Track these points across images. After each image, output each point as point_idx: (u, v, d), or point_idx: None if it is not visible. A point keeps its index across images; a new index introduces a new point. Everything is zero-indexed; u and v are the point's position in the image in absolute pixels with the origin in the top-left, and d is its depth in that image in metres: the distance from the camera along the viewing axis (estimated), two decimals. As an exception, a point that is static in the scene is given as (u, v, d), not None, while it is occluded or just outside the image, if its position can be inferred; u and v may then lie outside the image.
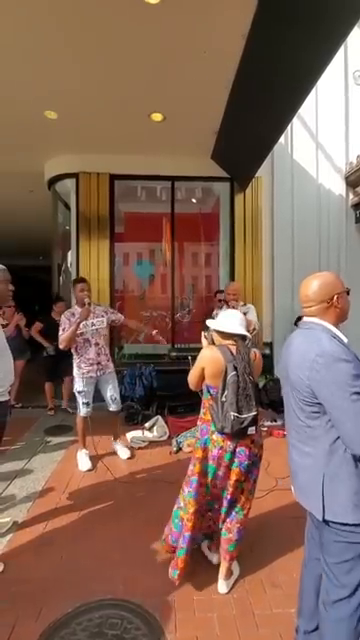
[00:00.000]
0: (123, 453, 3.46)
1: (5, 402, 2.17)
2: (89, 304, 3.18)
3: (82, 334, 3.19)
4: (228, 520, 1.94)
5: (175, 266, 5.75)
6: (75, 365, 3.29)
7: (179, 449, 3.63)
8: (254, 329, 3.56)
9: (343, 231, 5.83)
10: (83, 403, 3.29)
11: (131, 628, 1.70)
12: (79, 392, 3.28)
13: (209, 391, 1.95)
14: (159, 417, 4.18)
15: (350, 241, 5.83)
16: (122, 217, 5.88)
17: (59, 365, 4.61)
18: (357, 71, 5.80)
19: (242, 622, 1.73)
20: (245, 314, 3.45)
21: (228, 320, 1.97)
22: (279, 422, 4.26)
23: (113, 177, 5.40)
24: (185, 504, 1.94)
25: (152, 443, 3.85)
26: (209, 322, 2.07)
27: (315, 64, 2.94)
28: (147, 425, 4.02)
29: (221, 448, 1.85)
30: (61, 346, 3.18)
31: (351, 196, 5.86)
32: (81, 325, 3.14)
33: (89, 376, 3.25)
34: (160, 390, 4.58)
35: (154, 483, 3.00)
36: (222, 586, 1.92)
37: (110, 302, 5.24)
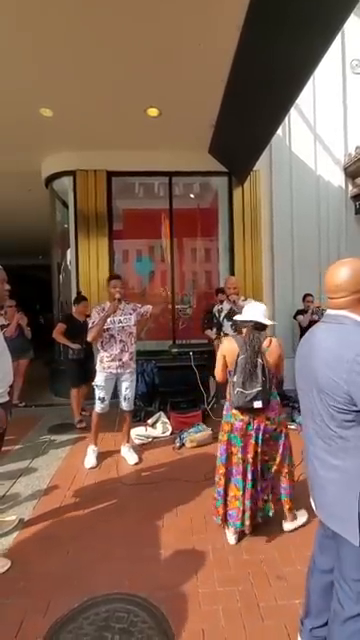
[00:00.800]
0: (131, 458, 3.35)
1: (5, 403, 2.16)
2: (119, 300, 3.20)
3: (108, 329, 3.23)
4: (265, 484, 2.26)
5: (175, 262, 5.75)
6: (98, 359, 3.32)
7: (182, 445, 3.64)
8: None
9: (343, 223, 5.80)
10: (99, 398, 3.28)
11: (137, 621, 1.72)
12: (97, 386, 3.30)
13: (229, 374, 2.27)
14: (161, 413, 4.19)
15: (350, 232, 5.80)
16: (120, 214, 5.87)
17: (85, 367, 4.22)
18: (354, 60, 5.73)
19: (247, 614, 1.75)
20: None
21: (248, 311, 2.30)
22: (282, 416, 4.26)
23: (110, 174, 5.38)
24: (217, 471, 2.30)
25: (155, 439, 3.87)
26: (237, 317, 2.43)
27: (311, 55, 2.90)
28: (150, 421, 4.03)
29: (241, 420, 2.18)
30: (89, 338, 3.23)
31: (350, 187, 5.82)
32: (108, 320, 3.19)
33: (109, 371, 3.26)
34: (162, 386, 4.59)
35: (158, 480, 3.01)
36: (286, 524, 2.30)
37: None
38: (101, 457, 3.37)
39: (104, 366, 3.27)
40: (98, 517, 2.54)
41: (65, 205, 5.83)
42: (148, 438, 3.84)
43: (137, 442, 3.74)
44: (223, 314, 3.60)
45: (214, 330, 3.72)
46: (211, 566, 2.05)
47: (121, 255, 5.93)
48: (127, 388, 3.36)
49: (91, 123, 4.45)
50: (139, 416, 4.30)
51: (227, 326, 3.57)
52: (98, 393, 3.30)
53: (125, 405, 3.40)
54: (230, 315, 3.56)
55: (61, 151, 5.24)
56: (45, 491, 2.87)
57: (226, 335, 3.55)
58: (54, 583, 1.96)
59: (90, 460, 3.27)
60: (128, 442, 3.49)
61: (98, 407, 3.31)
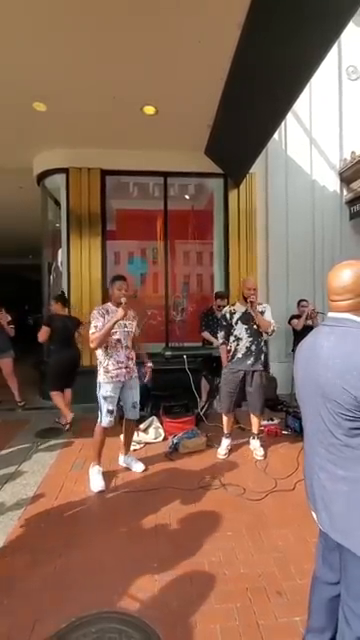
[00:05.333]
0: (138, 466, 3.17)
1: None
2: (126, 304, 2.94)
3: (114, 334, 2.96)
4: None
5: (169, 264, 5.66)
6: (101, 369, 2.99)
7: (175, 449, 3.54)
8: (272, 330, 3.40)
9: (338, 227, 5.81)
10: (108, 411, 2.95)
11: (130, 643, 1.61)
12: (105, 398, 2.96)
13: None
14: (154, 418, 4.08)
15: (345, 237, 5.81)
16: (114, 214, 5.76)
17: (72, 369, 4.23)
18: (351, 66, 5.78)
19: (246, 633, 1.65)
20: (262, 313, 3.37)
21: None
22: (276, 421, 4.21)
23: (104, 172, 5.28)
24: None
25: (147, 445, 3.75)
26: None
27: (312, 56, 2.87)
28: (142, 426, 3.91)
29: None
30: (92, 345, 2.91)
31: (345, 192, 5.84)
32: (115, 325, 2.92)
33: (117, 380, 2.98)
34: (155, 390, 4.48)
35: (150, 488, 2.90)
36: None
37: (102, 302, 5.11)
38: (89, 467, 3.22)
39: (111, 375, 2.96)
40: (87, 528, 2.42)
41: (57, 204, 5.70)
42: (140, 444, 3.73)
43: (130, 448, 3.61)
44: (237, 316, 3.43)
45: (222, 333, 3.50)
46: (207, 581, 1.95)
47: (114, 256, 5.81)
48: (135, 395, 3.14)
49: (86, 119, 4.35)
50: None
51: (242, 330, 3.41)
52: (106, 406, 2.95)
53: (132, 414, 3.16)
54: (246, 318, 3.42)
55: (54, 147, 5.12)
56: (31, 500, 2.73)
57: (239, 339, 3.42)
58: (40, 601, 1.83)
59: (97, 483, 2.89)
60: (129, 451, 3.33)
61: (105, 421, 2.96)
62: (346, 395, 1.09)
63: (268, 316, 3.41)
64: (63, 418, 4.20)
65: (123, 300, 2.93)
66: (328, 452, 1.18)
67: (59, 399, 4.21)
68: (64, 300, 4.53)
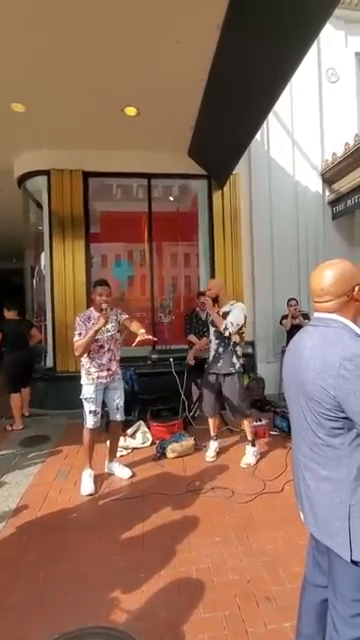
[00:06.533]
0: (124, 472, 3.13)
1: None
2: (107, 310, 2.91)
3: (97, 340, 2.95)
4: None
5: (154, 266, 5.61)
6: (83, 371, 3.02)
7: (163, 454, 3.49)
8: (226, 329, 3.13)
9: (320, 228, 5.87)
10: (91, 412, 2.97)
11: (115, 659, 1.55)
12: (86, 399, 2.98)
13: None
14: (141, 422, 4.02)
15: (327, 237, 5.88)
16: (97, 216, 5.69)
17: (28, 370, 4.63)
18: (330, 69, 5.85)
19: (235, 642, 1.61)
20: (227, 314, 3.19)
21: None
22: (264, 422, 4.20)
23: (87, 174, 5.20)
24: None
25: (135, 450, 3.69)
26: None
27: (291, 56, 2.87)
28: (129, 431, 3.85)
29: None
30: (77, 353, 2.92)
31: (327, 193, 5.91)
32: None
33: (99, 382, 2.99)
34: (142, 394, 4.43)
35: (137, 494, 2.84)
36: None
37: (87, 306, 5.03)
38: (75, 471, 3.15)
39: (93, 377, 2.98)
40: (72, 539, 2.35)
41: (39, 206, 5.60)
42: (127, 449, 3.66)
43: (117, 454, 3.54)
44: (210, 319, 3.39)
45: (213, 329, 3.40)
46: (195, 589, 1.91)
47: (99, 259, 5.74)
48: (118, 397, 3.12)
49: (66, 120, 4.28)
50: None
51: (212, 332, 3.37)
52: (88, 407, 2.97)
53: (118, 416, 3.14)
54: (212, 321, 3.37)
55: (34, 149, 5.02)
56: (14, 512, 2.64)
57: (211, 341, 3.38)
58: (22, 617, 1.76)
59: (87, 486, 2.88)
60: (115, 457, 3.26)
61: (90, 422, 2.98)
62: (325, 394, 1.09)
63: (231, 317, 3.16)
64: (15, 424, 4.44)
65: (104, 306, 2.90)
66: (312, 451, 1.18)
67: (16, 403, 4.46)
68: (16, 307, 4.74)
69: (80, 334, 2.89)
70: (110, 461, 3.22)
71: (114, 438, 3.24)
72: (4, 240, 8.72)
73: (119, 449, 3.56)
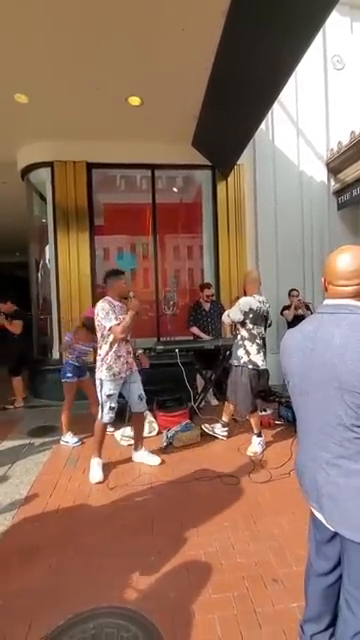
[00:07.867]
0: (153, 460, 3.18)
1: None
2: (133, 297, 3.01)
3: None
4: None
5: (158, 258, 5.61)
6: (105, 366, 2.96)
7: (169, 444, 3.53)
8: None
9: (325, 218, 5.82)
10: (110, 408, 2.98)
11: (128, 637, 1.60)
12: (108, 396, 2.97)
13: None
14: (147, 412, 4.06)
15: (332, 227, 5.83)
16: (101, 208, 5.68)
17: (26, 353, 5.24)
18: (336, 56, 5.75)
19: (244, 621, 1.66)
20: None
21: None
22: (269, 411, 4.24)
23: (90, 165, 5.18)
24: None
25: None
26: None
27: (297, 42, 2.84)
28: (135, 421, 3.89)
29: None
30: (121, 335, 2.91)
31: (333, 183, 5.85)
32: (114, 319, 2.90)
33: (120, 377, 3.00)
34: (147, 385, 4.46)
35: (144, 483, 2.89)
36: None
37: (92, 298, 5.06)
38: (83, 463, 3.21)
39: (114, 372, 2.96)
40: (82, 526, 2.40)
41: (43, 198, 5.58)
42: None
43: (123, 443, 3.60)
44: None
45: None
46: (204, 572, 1.95)
47: (102, 251, 5.74)
48: (138, 388, 3.15)
49: (70, 111, 4.25)
50: (124, 416, 4.15)
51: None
52: (109, 404, 2.98)
53: (139, 406, 3.16)
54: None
55: (38, 140, 5.00)
56: (25, 500, 2.70)
57: None
58: (36, 600, 1.81)
59: (96, 474, 2.95)
60: (142, 446, 3.29)
61: (107, 417, 3.00)
62: None
63: (230, 309, 3.49)
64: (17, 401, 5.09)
65: (131, 294, 3.02)
66: (342, 447, 1.10)
67: (19, 384, 5.17)
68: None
69: (117, 318, 2.91)
70: (137, 450, 3.26)
71: (139, 427, 3.30)
72: (8, 233, 8.72)
73: (126, 438, 3.62)
